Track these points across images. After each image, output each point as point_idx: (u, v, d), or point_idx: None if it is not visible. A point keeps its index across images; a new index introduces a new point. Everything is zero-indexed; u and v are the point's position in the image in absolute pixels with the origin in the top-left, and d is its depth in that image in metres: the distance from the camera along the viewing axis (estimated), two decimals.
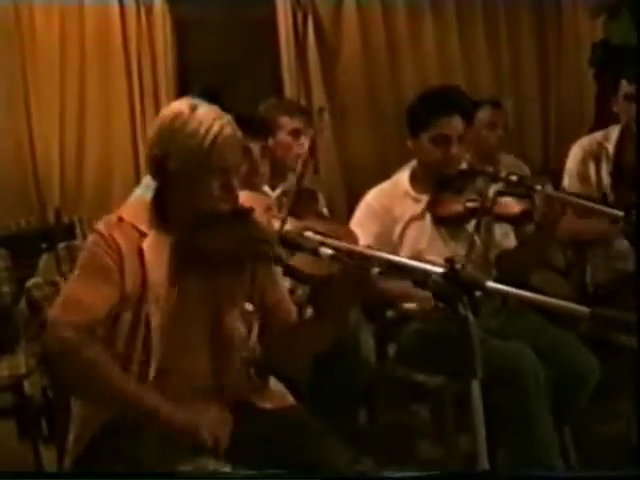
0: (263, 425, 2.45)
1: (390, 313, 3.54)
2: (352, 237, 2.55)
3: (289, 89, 5.89)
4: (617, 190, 3.86)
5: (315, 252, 2.23)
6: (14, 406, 4.17)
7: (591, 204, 3.31)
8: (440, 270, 1.92)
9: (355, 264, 2.23)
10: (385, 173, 3.89)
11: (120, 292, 2.34)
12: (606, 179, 3.98)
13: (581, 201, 3.33)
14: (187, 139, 2.34)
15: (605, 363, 3.25)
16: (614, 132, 4.04)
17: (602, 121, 4.39)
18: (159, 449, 2.33)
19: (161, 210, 2.46)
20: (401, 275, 2.21)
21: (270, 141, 3.61)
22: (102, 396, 2.34)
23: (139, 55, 5.65)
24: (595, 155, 4.02)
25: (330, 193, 5.44)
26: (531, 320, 3.39)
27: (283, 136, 3.92)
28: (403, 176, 3.57)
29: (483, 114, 4.81)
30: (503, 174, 3.30)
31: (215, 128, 2.34)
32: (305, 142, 3.95)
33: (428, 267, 1.99)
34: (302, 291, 3.41)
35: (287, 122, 3.96)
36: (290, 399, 2.66)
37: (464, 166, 3.45)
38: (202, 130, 2.34)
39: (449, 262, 1.90)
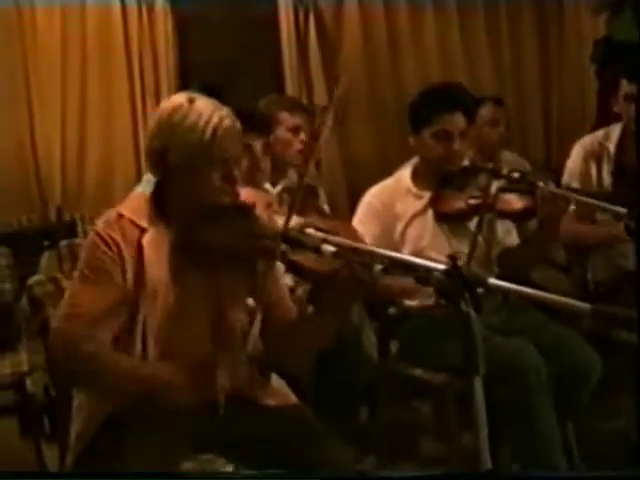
0: (265, 422, 2.44)
1: (392, 310, 3.55)
2: (354, 234, 2.54)
3: (290, 86, 5.88)
4: (618, 189, 3.85)
5: (317, 250, 2.23)
6: (16, 404, 4.19)
7: (593, 201, 3.31)
8: (442, 267, 1.91)
9: (357, 261, 2.23)
10: (387, 170, 3.89)
11: (122, 292, 2.34)
12: (607, 179, 3.97)
13: (583, 198, 3.32)
14: (187, 132, 2.34)
15: (606, 360, 3.24)
16: (615, 131, 4.03)
17: (604, 118, 4.38)
18: (161, 446, 2.32)
19: (161, 204, 2.46)
20: (403, 272, 2.21)
21: (270, 137, 3.61)
22: (114, 383, 2.36)
23: (140, 54, 5.63)
24: (596, 155, 4.01)
25: (331, 190, 5.44)
26: (533, 317, 3.38)
27: (283, 132, 3.91)
28: (405, 173, 3.56)
29: (485, 111, 4.82)
30: (505, 171, 3.30)
31: (215, 120, 2.35)
32: (305, 138, 3.95)
33: (430, 264, 1.99)
34: (303, 290, 3.42)
35: (287, 118, 3.95)
36: (292, 397, 2.66)
37: (466, 163, 3.44)
38: (202, 122, 2.34)
39: (451, 259, 1.89)
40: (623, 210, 3.19)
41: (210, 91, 2.50)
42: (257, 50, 5.88)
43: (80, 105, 5.57)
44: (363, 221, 3.41)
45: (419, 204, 3.44)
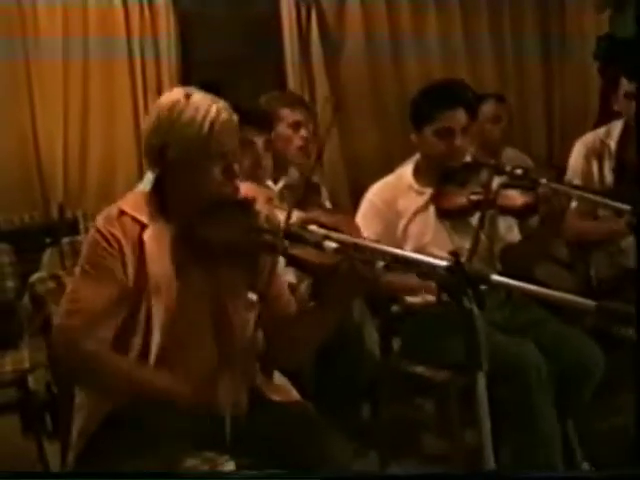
0: (268, 418, 2.44)
1: (395, 307, 3.55)
2: (356, 229, 2.54)
3: (293, 83, 5.89)
4: (620, 186, 3.84)
5: (319, 246, 2.22)
6: (18, 401, 4.19)
7: (595, 197, 3.30)
8: (445, 263, 1.90)
9: (359, 257, 2.22)
10: (389, 167, 3.87)
11: (124, 289, 2.34)
12: (609, 176, 3.96)
13: (585, 194, 3.31)
14: (185, 127, 2.35)
15: (610, 357, 3.23)
16: (616, 128, 4.01)
17: (606, 115, 4.36)
18: (162, 443, 2.32)
19: (161, 200, 2.46)
20: (406, 269, 2.21)
21: (271, 134, 3.60)
22: (113, 384, 2.35)
23: (142, 51, 5.64)
24: (598, 152, 4.00)
25: (334, 187, 5.44)
26: (536, 313, 3.38)
27: (283, 129, 3.89)
28: (407, 170, 3.56)
29: (487, 108, 4.82)
30: (508, 167, 3.29)
31: (212, 113, 2.35)
32: (306, 135, 3.94)
33: (433, 260, 1.98)
34: (305, 286, 3.42)
35: (288, 114, 3.93)
36: (295, 394, 2.67)
37: (468, 159, 3.44)
38: (199, 116, 2.34)
39: (454, 255, 1.89)
40: (626, 207, 3.19)
41: (210, 89, 2.49)
42: (259, 47, 5.87)
43: (82, 103, 5.58)
44: (365, 218, 3.41)
45: (421, 201, 3.44)
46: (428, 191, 3.44)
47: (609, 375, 3.23)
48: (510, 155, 4.93)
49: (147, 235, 2.38)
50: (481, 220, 3.25)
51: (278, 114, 3.86)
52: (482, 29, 6.20)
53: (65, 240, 4.20)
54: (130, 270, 2.35)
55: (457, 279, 1.86)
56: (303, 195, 2.65)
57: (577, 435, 3.34)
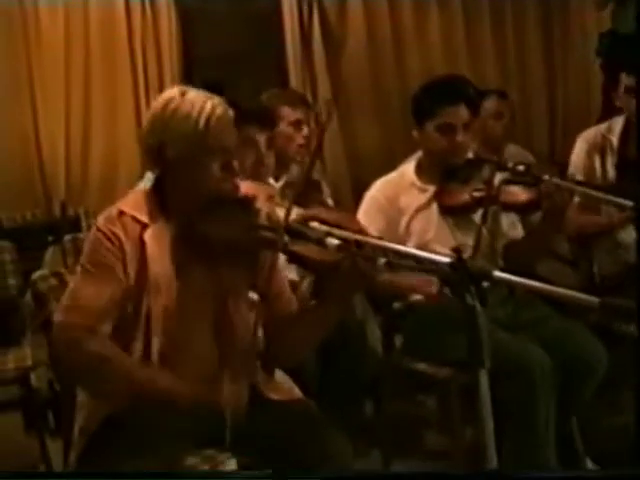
0: (269, 416, 2.43)
1: (397, 304, 3.54)
2: (358, 225, 2.53)
3: (294, 81, 5.88)
4: (622, 182, 3.84)
5: (321, 242, 2.23)
6: (20, 399, 4.19)
7: (598, 193, 3.30)
8: (447, 260, 1.90)
9: (361, 254, 2.22)
10: (391, 164, 3.87)
11: (124, 288, 2.34)
12: (611, 171, 3.95)
13: (588, 190, 3.31)
14: (181, 124, 2.35)
15: (613, 354, 3.23)
16: (618, 124, 4.00)
17: (609, 111, 4.36)
18: (163, 441, 2.32)
19: (161, 199, 2.45)
20: (408, 265, 2.20)
21: (273, 132, 3.59)
22: (115, 385, 2.34)
23: (144, 48, 5.65)
24: (600, 148, 4.00)
25: (336, 184, 5.45)
26: (539, 310, 3.36)
27: (285, 127, 3.88)
28: (409, 167, 3.55)
29: (489, 104, 4.81)
30: (510, 164, 3.29)
31: (207, 109, 2.35)
32: (307, 133, 3.93)
33: (435, 257, 1.98)
34: (307, 284, 3.41)
35: (289, 113, 3.93)
36: (297, 392, 2.66)
37: (470, 156, 3.43)
38: (195, 112, 2.34)
39: (456, 252, 1.89)
40: (628, 203, 3.19)
41: (213, 88, 2.49)
42: (261, 44, 5.88)
43: (84, 100, 5.59)
44: (368, 215, 3.40)
45: (423, 197, 3.43)
46: (430, 188, 3.43)
47: (612, 372, 3.22)
48: (512, 151, 4.91)
49: (148, 234, 2.38)
50: (484, 216, 3.24)
51: (279, 112, 3.86)
52: (484, 25, 6.19)
53: (67, 238, 4.19)
54: (131, 269, 2.34)
55: (460, 276, 1.85)
56: (304, 192, 2.64)
57: (580, 433, 3.33)
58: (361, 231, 2.38)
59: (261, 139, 3.30)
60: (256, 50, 5.83)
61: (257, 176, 3.17)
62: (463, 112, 3.34)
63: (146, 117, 2.46)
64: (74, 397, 2.53)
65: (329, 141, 5.78)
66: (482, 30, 6.19)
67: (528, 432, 3.04)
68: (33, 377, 3.95)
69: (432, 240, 3.34)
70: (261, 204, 2.43)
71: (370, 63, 6.03)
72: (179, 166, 2.38)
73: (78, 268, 2.42)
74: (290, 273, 3.30)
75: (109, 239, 2.35)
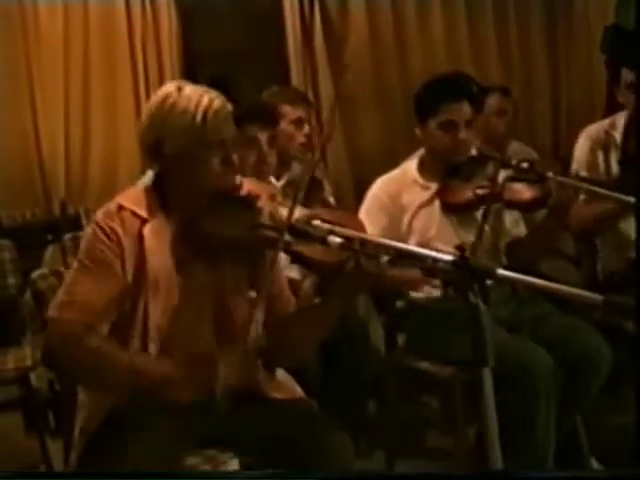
0: (271, 415, 2.43)
1: (399, 303, 3.53)
2: (359, 225, 2.52)
3: (295, 78, 5.87)
4: (626, 178, 3.81)
5: (324, 241, 2.23)
6: (21, 399, 4.20)
7: (603, 190, 3.28)
8: (450, 258, 1.89)
9: (364, 252, 2.21)
10: (393, 161, 3.86)
11: (121, 284, 2.33)
12: (615, 167, 3.93)
13: (592, 187, 3.29)
14: (178, 118, 2.35)
15: (618, 352, 3.21)
16: (621, 120, 3.98)
17: (614, 108, 4.33)
18: (164, 442, 2.31)
19: (161, 195, 2.45)
20: (411, 263, 2.19)
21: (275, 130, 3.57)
22: (116, 380, 2.34)
23: (144, 45, 5.62)
24: (603, 144, 3.98)
25: (338, 182, 5.44)
26: (541, 308, 3.35)
27: (285, 125, 3.86)
28: (411, 164, 3.54)
29: (492, 101, 4.80)
30: (514, 161, 3.27)
31: (204, 102, 2.35)
32: (308, 131, 3.92)
33: (438, 255, 1.97)
34: (310, 282, 3.40)
35: (290, 111, 3.91)
36: (298, 391, 2.66)
37: (473, 153, 3.41)
38: (192, 106, 2.34)
39: (459, 250, 1.88)
40: (632, 199, 3.17)
41: (217, 84, 2.50)
42: (262, 40, 5.86)
43: (83, 98, 5.56)
44: (370, 213, 3.39)
45: (426, 195, 3.41)
46: (433, 186, 3.42)
47: (617, 370, 3.21)
48: (516, 148, 4.91)
49: (147, 230, 2.38)
50: (485, 214, 3.22)
51: (280, 111, 3.84)
52: (487, 21, 6.16)
53: (67, 236, 4.21)
54: (129, 265, 2.34)
55: (463, 274, 1.84)
56: (306, 191, 2.63)
57: (586, 432, 3.33)
58: (363, 230, 2.39)
59: (263, 137, 3.28)
60: (257, 47, 5.81)
61: (259, 175, 3.16)
62: (466, 109, 3.32)
63: (143, 114, 2.45)
64: (74, 397, 2.53)
65: (331, 139, 5.76)
66: (485, 26, 6.16)
67: (528, 432, 3.03)
68: (33, 377, 3.94)
69: (434, 238, 3.33)
70: (263, 203, 2.43)
71: (372, 60, 6.00)
72: (178, 161, 2.38)
73: (74, 263, 2.41)
74: (292, 272, 3.30)
75: (107, 234, 2.35)
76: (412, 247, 2.23)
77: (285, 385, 2.64)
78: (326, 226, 2.27)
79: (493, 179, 3.25)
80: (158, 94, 2.42)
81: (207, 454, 2.42)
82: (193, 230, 2.36)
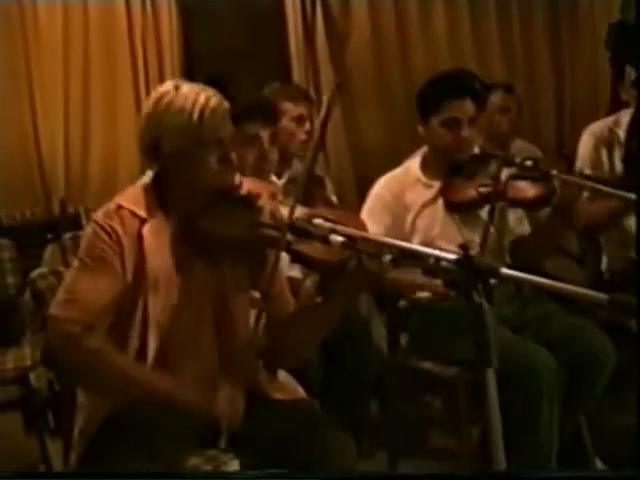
0: (272, 416, 2.42)
1: (402, 302, 3.51)
2: (361, 225, 2.50)
3: (297, 76, 5.86)
4: (630, 176, 3.80)
5: (325, 240, 2.21)
6: (20, 399, 4.20)
7: (606, 188, 3.26)
8: (454, 257, 1.87)
9: (366, 252, 2.20)
10: (395, 159, 3.86)
11: (122, 283, 2.32)
12: (619, 165, 3.92)
13: (597, 185, 3.27)
14: (175, 117, 2.34)
15: (623, 352, 3.20)
16: (625, 117, 3.96)
17: (618, 105, 4.32)
18: (164, 443, 2.30)
19: (160, 194, 2.44)
20: (414, 263, 2.17)
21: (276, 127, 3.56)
22: (112, 384, 2.33)
23: (144, 44, 5.62)
24: (607, 141, 3.96)
25: (340, 180, 5.44)
26: (545, 307, 3.35)
27: (286, 122, 3.85)
28: (414, 162, 3.53)
29: (495, 98, 4.79)
30: (517, 159, 3.25)
31: (201, 101, 2.34)
32: (309, 128, 3.90)
33: (441, 254, 1.95)
34: (311, 281, 3.39)
35: (291, 108, 3.90)
36: (300, 391, 2.66)
37: (476, 151, 3.40)
38: (189, 104, 2.34)
39: (463, 249, 1.86)
40: (632, 196, 3.15)
41: (215, 83, 2.49)
42: (263, 39, 5.85)
43: (83, 97, 5.56)
44: (373, 212, 3.38)
45: (429, 194, 3.40)
46: (436, 184, 3.40)
47: (621, 370, 3.19)
48: (519, 146, 4.91)
49: (146, 229, 2.37)
50: (491, 213, 3.21)
51: (281, 108, 3.81)
52: (490, 17, 6.15)
53: (67, 236, 4.20)
54: (128, 265, 2.33)
55: (466, 273, 1.82)
56: (307, 189, 2.62)
57: (590, 432, 3.32)
58: (364, 230, 2.38)
59: (264, 135, 3.26)
60: (258, 46, 5.81)
61: (260, 172, 3.14)
62: (469, 106, 3.31)
63: (142, 113, 2.45)
64: (74, 397, 2.52)
65: (332, 136, 5.77)
66: (488, 23, 6.15)
67: (531, 433, 3.02)
68: (33, 377, 3.93)
69: (438, 237, 3.32)
70: (264, 202, 2.42)
71: (374, 58, 6.00)
72: (176, 160, 2.37)
73: (74, 262, 2.40)
74: (293, 271, 3.30)
75: (107, 233, 2.34)
76: (415, 246, 2.21)
77: (287, 386, 2.64)
78: (328, 225, 2.26)
79: (496, 177, 3.24)
80: (155, 93, 2.42)
81: (208, 454, 2.40)
82: (192, 229, 2.35)
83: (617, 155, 3.92)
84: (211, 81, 2.49)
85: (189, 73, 5.59)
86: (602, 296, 1.73)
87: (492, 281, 1.81)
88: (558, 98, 6.36)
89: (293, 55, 5.88)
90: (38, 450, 3.77)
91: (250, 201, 2.39)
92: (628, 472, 2.20)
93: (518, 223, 3.45)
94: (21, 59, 5.44)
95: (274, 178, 3.69)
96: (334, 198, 4.03)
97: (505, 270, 1.85)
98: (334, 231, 2.22)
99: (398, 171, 3.53)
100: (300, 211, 2.36)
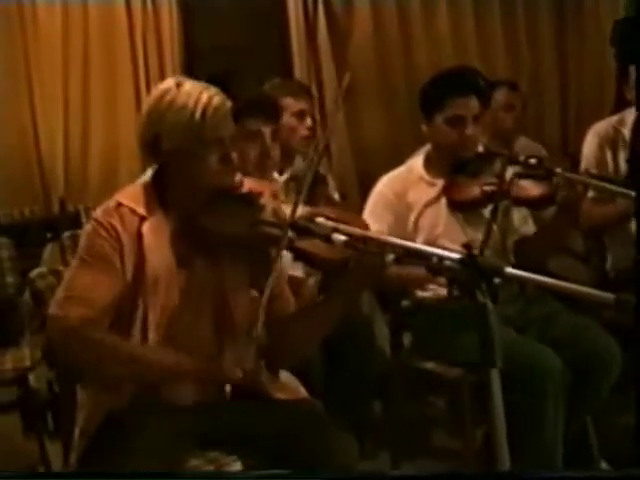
0: (274, 416, 2.42)
1: (405, 302, 3.50)
2: (363, 225, 2.49)
3: (299, 73, 5.83)
4: (635, 175, 3.78)
5: (328, 239, 2.20)
6: (19, 400, 4.19)
7: (611, 186, 3.24)
8: (457, 256, 1.87)
9: (369, 250, 2.19)
10: (398, 158, 3.84)
11: (121, 280, 2.31)
12: (623, 165, 3.90)
13: (602, 183, 3.25)
14: (177, 114, 2.33)
15: (629, 353, 3.17)
16: (630, 116, 3.95)
17: (623, 103, 4.31)
18: (165, 443, 2.29)
19: (160, 193, 2.43)
20: (417, 262, 2.15)
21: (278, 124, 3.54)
22: (121, 368, 2.32)
23: (145, 41, 5.59)
24: (611, 140, 3.96)
25: (342, 178, 5.43)
26: (550, 306, 3.33)
27: (288, 118, 3.81)
28: (417, 161, 3.50)
29: (500, 95, 4.78)
30: (522, 157, 3.23)
31: (204, 99, 2.33)
32: (311, 124, 3.88)
33: (445, 253, 1.94)
34: (314, 280, 3.39)
35: (291, 103, 3.87)
36: (302, 391, 2.67)
37: (480, 149, 3.37)
38: (190, 103, 2.33)
39: (466, 248, 1.86)
40: (631, 193, 3.13)
41: (217, 80, 2.48)
42: (264, 37, 5.85)
43: (83, 94, 5.54)
44: (376, 211, 3.37)
45: (432, 192, 3.38)
46: (439, 182, 3.38)
47: (627, 370, 3.17)
48: (523, 144, 4.91)
49: (146, 227, 2.36)
50: (493, 212, 3.19)
51: (282, 103, 3.79)
52: (495, 14, 6.13)
53: (66, 234, 4.19)
54: (128, 263, 2.32)
55: (470, 272, 1.82)
56: (310, 186, 2.60)
57: (595, 431, 3.31)
58: (367, 230, 2.37)
59: (266, 131, 3.24)
60: (259, 43, 5.80)
61: (263, 169, 3.13)
62: (473, 104, 3.29)
63: (142, 110, 2.43)
64: (73, 398, 2.52)
65: (335, 134, 5.73)
66: (492, 20, 6.12)
67: (536, 433, 3.01)
68: (32, 378, 3.93)
69: (441, 236, 3.30)
70: (266, 200, 2.42)
71: (377, 55, 5.98)
72: (175, 158, 2.37)
73: (74, 260, 2.39)
74: (296, 270, 3.30)
75: (106, 230, 2.33)
76: (418, 245, 2.20)
77: (289, 386, 2.64)
78: (330, 223, 2.25)
79: (500, 176, 3.22)
80: (157, 90, 2.41)
81: (210, 456, 2.41)
82: (192, 227, 2.35)
83: (621, 154, 3.92)
84: (213, 79, 2.48)
85: (189, 71, 5.57)
86: (609, 296, 1.72)
87: (496, 281, 1.80)
88: (563, 96, 6.35)
89: (295, 52, 5.86)
90: (37, 451, 3.76)
91: (251, 199, 2.39)
92: (633, 472, 2.16)
93: (522, 222, 3.43)
94: (20, 57, 5.42)
95: (276, 175, 3.67)
96: (336, 196, 4.03)
97: (509, 269, 1.84)
98: (336, 230, 2.21)
99: (401, 169, 3.51)
100: (302, 209, 2.35)
